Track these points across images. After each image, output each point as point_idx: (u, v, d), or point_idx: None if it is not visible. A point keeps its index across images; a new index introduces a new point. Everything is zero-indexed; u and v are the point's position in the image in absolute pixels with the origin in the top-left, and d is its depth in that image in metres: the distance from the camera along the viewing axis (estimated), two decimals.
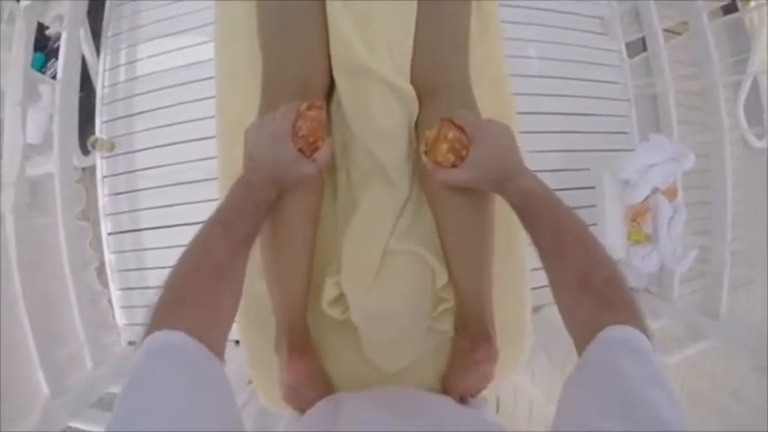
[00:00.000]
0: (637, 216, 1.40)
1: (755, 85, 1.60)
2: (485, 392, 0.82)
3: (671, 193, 1.40)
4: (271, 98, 0.72)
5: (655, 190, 1.39)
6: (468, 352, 0.73)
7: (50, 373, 1.18)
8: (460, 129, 0.62)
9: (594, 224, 1.59)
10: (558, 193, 1.61)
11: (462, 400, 0.81)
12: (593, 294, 0.48)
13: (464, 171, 0.61)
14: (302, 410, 0.78)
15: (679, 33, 1.50)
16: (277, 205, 0.65)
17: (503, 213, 0.71)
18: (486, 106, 0.77)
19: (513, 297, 0.83)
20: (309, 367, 0.74)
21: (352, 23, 0.70)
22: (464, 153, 0.61)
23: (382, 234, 0.73)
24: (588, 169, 1.62)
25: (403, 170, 0.75)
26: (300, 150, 0.60)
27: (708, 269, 1.36)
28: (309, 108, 0.62)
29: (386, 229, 0.73)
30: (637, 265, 1.41)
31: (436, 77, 0.74)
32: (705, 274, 1.39)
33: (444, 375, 0.81)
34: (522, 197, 0.58)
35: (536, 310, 1.35)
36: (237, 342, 0.87)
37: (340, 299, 0.74)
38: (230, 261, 0.53)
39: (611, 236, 1.43)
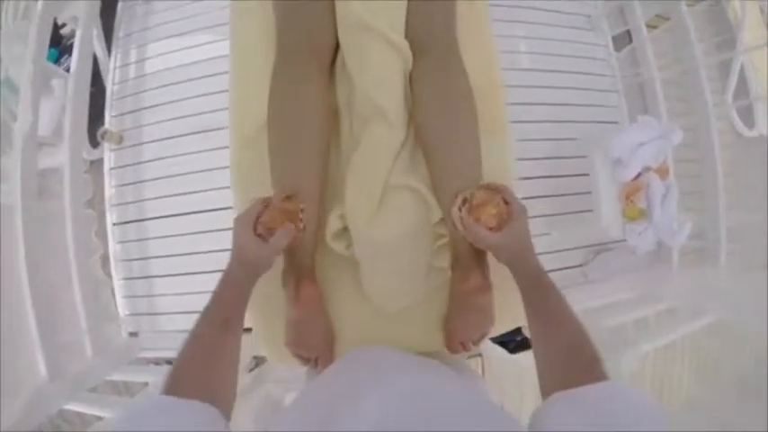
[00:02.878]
0: (630, 194, 1.44)
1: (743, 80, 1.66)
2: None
3: (662, 172, 1.44)
4: (285, 57, 0.79)
5: (647, 169, 1.43)
6: (460, 282, 0.75)
7: (50, 357, 1.19)
8: (507, 203, 0.71)
9: (590, 210, 1.63)
10: (553, 180, 1.61)
11: (464, 347, 0.82)
12: (581, 365, 0.54)
13: (499, 237, 0.68)
14: (303, 358, 0.79)
15: (655, 27, 1.58)
16: (289, 136, 0.73)
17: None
18: (475, 77, 0.81)
19: None
20: (315, 298, 0.76)
21: None
22: (503, 224, 0.70)
23: (383, 168, 0.77)
24: (583, 157, 1.68)
25: (401, 114, 0.79)
26: (260, 236, 0.67)
27: (704, 245, 1.38)
28: (284, 200, 0.70)
29: (386, 164, 0.77)
30: (634, 242, 1.43)
31: (427, 35, 0.80)
32: (702, 251, 1.41)
33: (445, 319, 0.83)
34: (533, 277, 0.66)
35: None
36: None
37: (343, 233, 0.77)
38: (216, 345, 0.59)
39: (607, 215, 1.46)
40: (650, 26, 1.54)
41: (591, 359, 0.53)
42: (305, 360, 0.79)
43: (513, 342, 1.75)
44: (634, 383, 1.49)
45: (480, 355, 1.78)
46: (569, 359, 0.55)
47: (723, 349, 1.37)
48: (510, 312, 0.85)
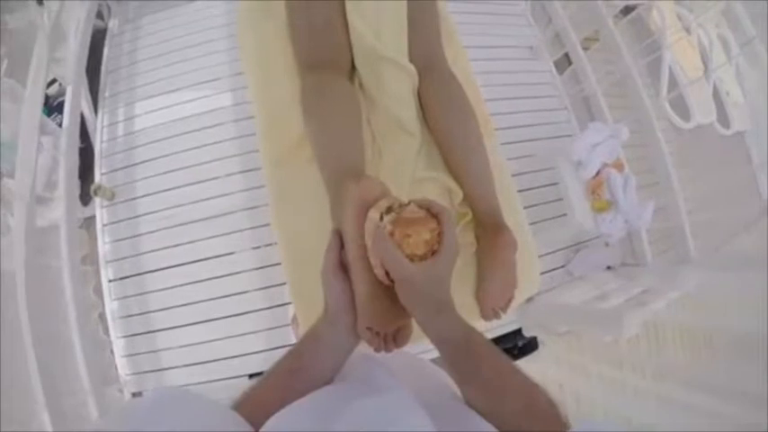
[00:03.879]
0: (595, 189, 1.61)
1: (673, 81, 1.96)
2: None
3: (618, 166, 1.63)
4: (309, 72, 0.91)
5: (604, 165, 1.62)
6: (491, 242, 0.85)
7: (56, 420, 1.13)
8: (440, 234, 0.54)
9: (563, 214, 1.80)
10: (523, 194, 1.77)
11: (495, 314, 0.90)
12: (539, 418, 0.48)
13: (418, 269, 0.52)
14: (379, 339, 0.63)
15: (587, 48, 1.86)
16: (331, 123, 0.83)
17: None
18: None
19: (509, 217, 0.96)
20: None
21: (364, 21, 0.91)
22: (429, 257, 0.53)
23: (408, 167, 0.90)
24: (546, 170, 1.88)
25: (416, 123, 0.95)
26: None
27: (670, 225, 1.55)
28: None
29: (409, 164, 0.91)
30: (606, 230, 1.58)
31: (428, 58, 0.97)
32: (669, 232, 1.57)
33: (476, 289, 0.91)
34: (465, 331, 0.54)
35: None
36: None
37: None
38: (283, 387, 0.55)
39: (579, 211, 1.62)
40: (583, 48, 1.81)
41: (547, 411, 0.48)
42: (380, 341, 0.62)
43: (515, 348, 1.82)
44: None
45: None
46: (525, 421, 0.48)
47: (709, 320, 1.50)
48: (527, 276, 0.95)
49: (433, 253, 0.53)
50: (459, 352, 0.53)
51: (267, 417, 0.45)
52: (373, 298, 0.57)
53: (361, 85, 0.96)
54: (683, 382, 1.50)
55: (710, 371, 1.45)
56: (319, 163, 0.83)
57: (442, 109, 0.93)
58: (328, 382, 0.57)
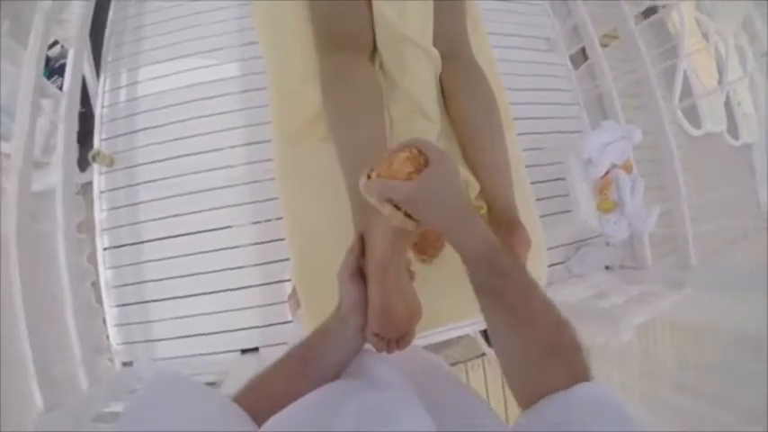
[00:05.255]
0: (602, 188, 1.60)
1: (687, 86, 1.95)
2: None
3: (627, 168, 1.62)
4: (329, 53, 0.87)
5: (613, 165, 1.60)
6: (505, 239, 0.83)
7: (45, 388, 1.12)
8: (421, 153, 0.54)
9: (568, 210, 1.79)
10: (533, 186, 1.77)
11: None
12: (562, 359, 0.47)
13: (413, 185, 0.51)
14: (383, 342, 0.63)
15: (606, 45, 1.82)
16: (351, 114, 0.80)
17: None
18: None
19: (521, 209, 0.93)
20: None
21: (389, 3, 0.87)
22: (422, 168, 0.52)
23: None
24: (554, 164, 1.86)
25: (436, 110, 0.92)
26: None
27: (672, 231, 1.54)
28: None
29: None
30: (609, 231, 1.58)
31: (452, 44, 0.95)
32: (671, 237, 1.57)
33: None
34: (490, 245, 0.52)
35: None
36: None
37: None
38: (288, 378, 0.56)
39: (584, 209, 1.61)
40: (602, 45, 1.77)
41: (570, 355, 0.47)
42: (385, 345, 0.62)
43: None
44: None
45: (484, 354, 1.83)
46: (545, 362, 0.47)
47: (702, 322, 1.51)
48: (534, 269, 0.94)
49: (426, 164, 0.52)
50: (483, 266, 0.51)
51: (270, 405, 0.45)
52: (385, 308, 0.59)
53: (381, 66, 0.93)
54: (671, 382, 1.52)
55: (701, 371, 1.48)
56: (338, 152, 0.80)
57: (464, 98, 0.91)
58: (336, 376, 0.58)
